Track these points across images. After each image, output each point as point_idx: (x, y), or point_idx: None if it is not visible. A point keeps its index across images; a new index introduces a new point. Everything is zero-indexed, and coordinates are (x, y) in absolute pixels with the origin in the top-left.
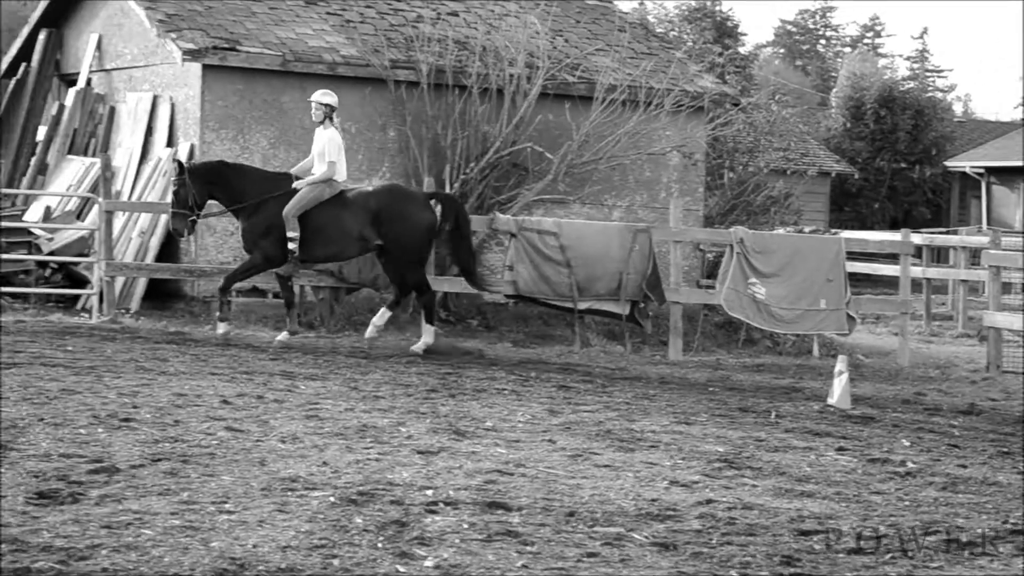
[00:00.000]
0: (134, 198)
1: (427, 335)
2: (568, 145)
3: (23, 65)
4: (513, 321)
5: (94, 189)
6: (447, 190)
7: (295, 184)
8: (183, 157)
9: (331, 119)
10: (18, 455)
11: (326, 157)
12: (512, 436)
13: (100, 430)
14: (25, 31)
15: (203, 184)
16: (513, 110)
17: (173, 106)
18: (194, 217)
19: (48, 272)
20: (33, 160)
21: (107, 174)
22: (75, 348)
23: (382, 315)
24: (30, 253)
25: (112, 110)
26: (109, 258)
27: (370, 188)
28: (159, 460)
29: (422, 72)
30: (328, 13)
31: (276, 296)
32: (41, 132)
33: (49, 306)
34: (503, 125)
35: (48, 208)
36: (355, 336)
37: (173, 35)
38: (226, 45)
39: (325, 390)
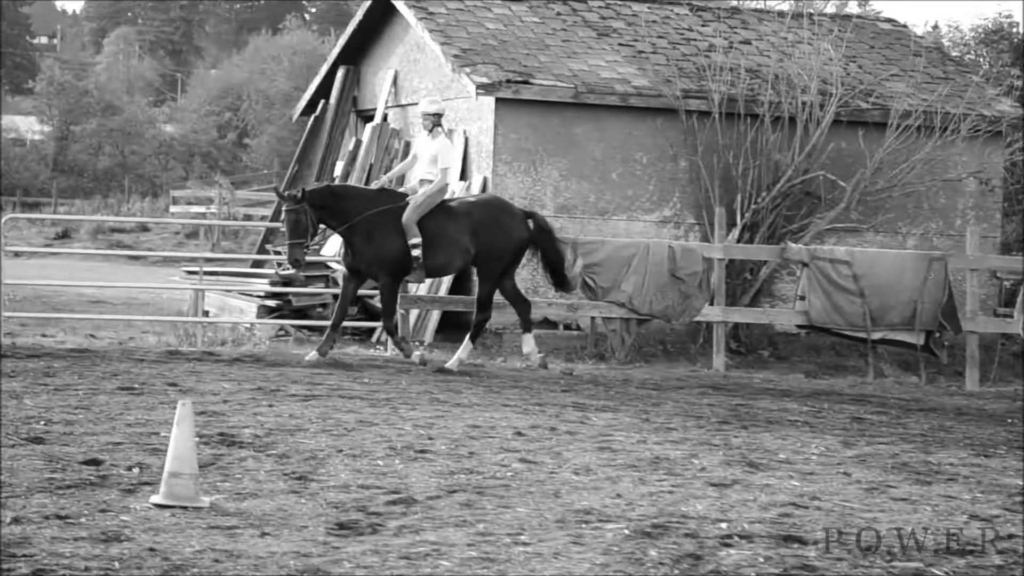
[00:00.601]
0: None
1: (464, 351)
2: (861, 172)
3: (322, 102)
4: (805, 351)
5: None
6: (738, 220)
7: (410, 196)
8: (476, 189)
9: (440, 127)
10: (318, 486)
11: (439, 164)
12: (806, 468)
13: (397, 461)
14: (324, 68)
15: (315, 210)
16: (805, 138)
17: (467, 139)
18: (310, 245)
19: None
20: None
21: None
22: (371, 380)
23: (527, 342)
24: (327, 287)
25: (407, 145)
26: (404, 291)
27: (472, 199)
28: (455, 491)
29: (714, 101)
30: (620, 44)
31: (567, 327)
32: (338, 167)
33: (346, 339)
34: (795, 153)
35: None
36: (646, 367)
37: (467, 69)
38: (519, 78)
39: (617, 422)
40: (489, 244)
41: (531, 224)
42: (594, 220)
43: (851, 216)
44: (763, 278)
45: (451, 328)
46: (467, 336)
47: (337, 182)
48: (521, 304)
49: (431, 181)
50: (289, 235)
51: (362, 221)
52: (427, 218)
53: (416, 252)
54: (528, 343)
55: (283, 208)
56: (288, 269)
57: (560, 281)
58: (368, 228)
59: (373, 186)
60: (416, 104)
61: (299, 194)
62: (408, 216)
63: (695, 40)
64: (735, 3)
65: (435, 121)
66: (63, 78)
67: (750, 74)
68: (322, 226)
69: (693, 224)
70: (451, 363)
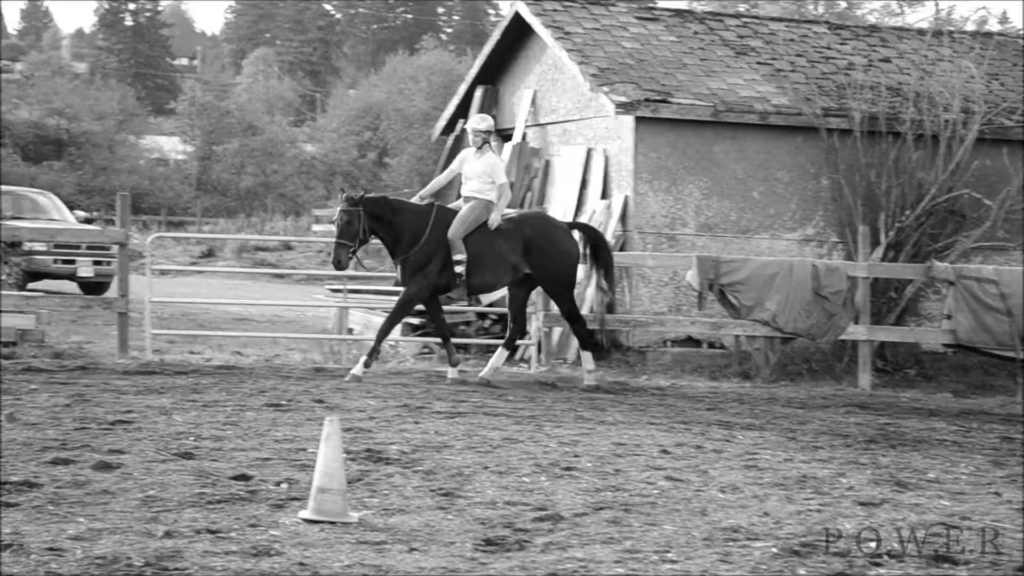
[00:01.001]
0: None
1: (587, 362)
2: (1007, 191)
3: (460, 121)
4: (952, 370)
5: None
6: (882, 238)
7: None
8: (617, 209)
9: (488, 144)
10: (465, 502)
11: (495, 180)
12: (956, 488)
13: (543, 478)
14: (462, 89)
15: (369, 218)
16: (949, 156)
17: (606, 158)
18: (355, 249)
19: (488, 323)
20: None
21: None
22: (516, 397)
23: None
24: (470, 304)
25: (547, 163)
26: (547, 309)
27: (516, 216)
28: (601, 509)
29: (855, 120)
30: (759, 63)
31: (711, 346)
32: None
33: (489, 356)
34: (939, 172)
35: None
36: (791, 386)
37: (606, 88)
38: (658, 97)
39: (763, 440)
40: (547, 263)
41: (578, 235)
42: (736, 239)
43: (997, 234)
44: (908, 297)
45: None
46: (580, 351)
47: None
48: (517, 323)
49: (475, 199)
50: (338, 235)
51: (415, 236)
52: (474, 235)
53: (460, 269)
54: (500, 358)
55: (339, 207)
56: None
57: (611, 281)
58: (417, 242)
59: (420, 201)
60: (557, 123)
61: (357, 197)
62: (454, 231)
63: (834, 58)
64: (874, 21)
65: (485, 138)
66: (204, 99)
67: (891, 92)
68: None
69: (836, 243)
70: (588, 380)
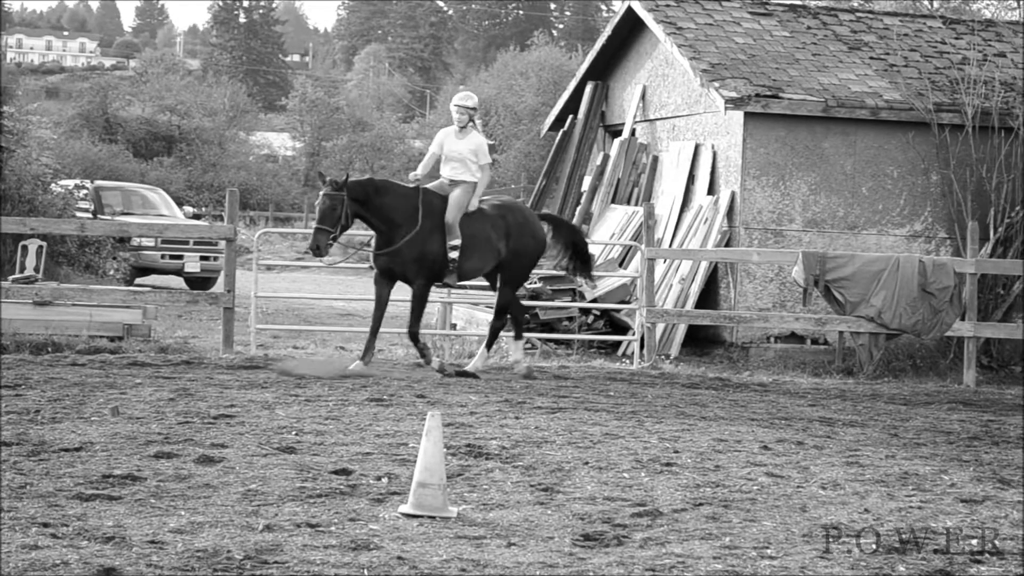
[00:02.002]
0: (675, 245)
1: (481, 360)
2: None
3: (570, 117)
4: None
5: (636, 237)
6: (991, 234)
7: (453, 192)
8: (724, 204)
9: (473, 122)
10: (564, 497)
11: (480, 160)
12: None
13: (643, 474)
14: (572, 84)
15: (353, 203)
16: None
17: (715, 154)
18: (337, 235)
19: (591, 319)
20: (578, 209)
21: (650, 222)
22: (617, 393)
23: (517, 348)
24: (573, 300)
25: (655, 159)
26: (651, 305)
27: (497, 201)
28: (701, 505)
29: (967, 115)
30: (871, 58)
31: (815, 342)
32: (586, 182)
33: (591, 352)
34: None
35: (592, 256)
36: (894, 382)
37: (716, 84)
38: (768, 92)
39: (865, 436)
40: (521, 248)
41: (546, 226)
42: (843, 234)
43: None
44: (1016, 293)
45: (697, 342)
46: (482, 344)
47: (417, 179)
48: (516, 310)
49: (463, 181)
50: (319, 219)
51: (405, 220)
52: (464, 219)
53: (454, 254)
54: (518, 350)
55: (320, 192)
56: (533, 283)
57: (587, 263)
58: (409, 227)
59: (413, 175)
60: (666, 119)
61: (341, 181)
62: (452, 216)
63: (948, 53)
64: (990, 16)
65: (471, 116)
66: (315, 95)
67: (1004, 87)
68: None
69: (944, 239)
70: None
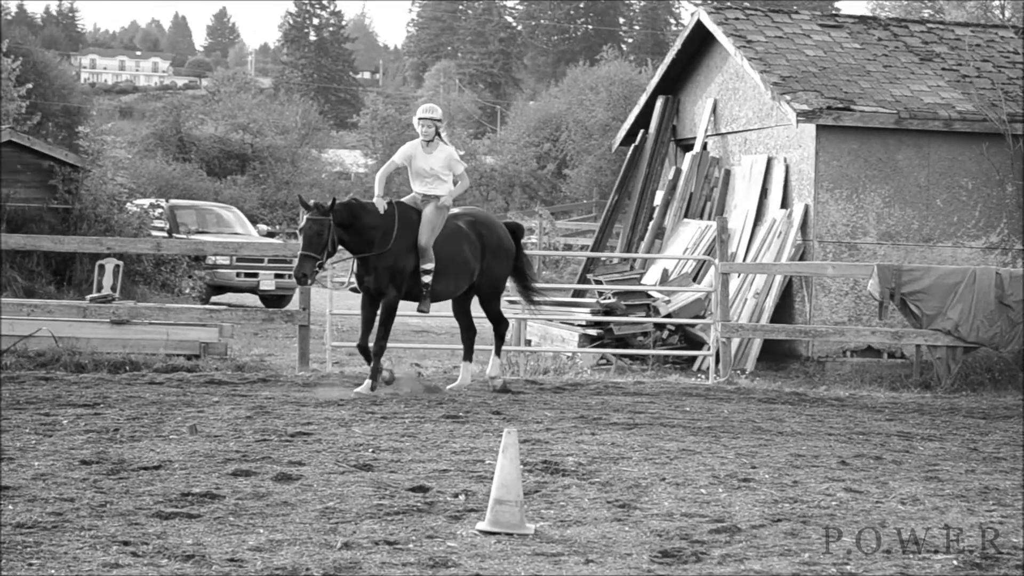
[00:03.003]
0: (749, 259)
1: (496, 368)
2: None
3: (641, 131)
4: None
5: (710, 251)
6: None
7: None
8: (798, 218)
9: (439, 135)
10: (642, 514)
11: (454, 171)
12: None
13: (720, 490)
14: (642, 99)
15: (339, 228)
16: None
17: (787, 167)
18: (323, 262)
19: (665, 334)
20: (651, 224)
21: (723, 236)
22: (693, 409)
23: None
24: (648, 315)
25: (727, 173)
26: (725, 319)
27: (467, 214)
28: (779, 520)
29: None
30: (943, 69)
31: (891, 356)
32: (658, 196)
33: (667, 367)
34: None
35: (665, 271)
36: (973, 396)
37: (787, 97)
38: (840, 105)
39: (943, 451)
40: (496, 267)
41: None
42: (918, 247)
43: None
44: None
45: (773, 357)
46: (492, 352)
47: (406, 199)
48: (471, 331)
49: (436, 196)
50: (304, 246)
51: (383, 237)
52: (441, 240)
53: (427, 279)
54: (468, 373)
55: (305, 216)
56: (608, 298)
57: (529, 287)
58: (385, 243)
59: (381, 202)
60: (738, 132)
61: (327, 205)
62: (425, 239)
63: (1021, 63)
64: None
65: (438, 127)
66: (386, 112)
67: None
68: (343, 251)
69: (1021, 250)
70: (497, 382)
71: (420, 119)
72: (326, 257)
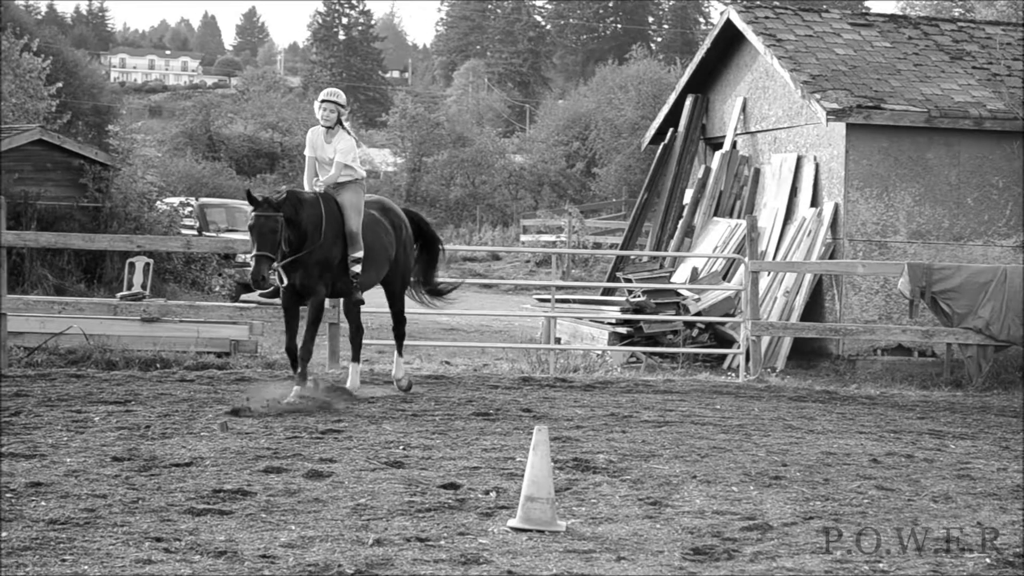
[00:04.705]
0: (779, 258)
1: (400, 368)
2: None
3: (670, 130)
4: None
5: (740, 250)
6: None
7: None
8: (828, 216)
9: (341, 122)
10: (673, 511)
11: (353, 160)
12: None
13: (751, 487)
14: (672, 97)
15: (287, 224)
16: None
17: (817, 166)
18: (278, 261)
19: (695, 332)
20: (680, 223)
21: (753, 235)
22: (723, 406)
23: (399, 363)
24: (678, 313)
25: (757, 172)
26: (755, 318)
27: (377, 205)
28: (811, 518)
29: None
30: (974, 67)
31: (922, 354)
32: (687, 195)
33: (697, 365)
34: None
35: (695, 269)
36: (1004, 394)
37: (817, 95)
38: (870, 103)
39: (976, 449)
40: (404, 255)
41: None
42: (949, 245)
43: None
44: None
45: (804, 355)
46: (396, 354)
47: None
48: (360, 331)
49: (346, 182)
50: (257, 245)
51: (313, 230)
52: (365, 225)
53: (357, 268)
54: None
55: (252, 213)
56: (637, 296)
57: (433, 282)
58: (315, 237)
59: (317, 188)
60: (767, 131)
61: (277, 199)
62: (355, 224)
63: None
64: None
65: (340, 113)
66: (415, 111)
67: None
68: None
69: None
70: (399, 377)
71: (322, 101)
72: (281, 256)
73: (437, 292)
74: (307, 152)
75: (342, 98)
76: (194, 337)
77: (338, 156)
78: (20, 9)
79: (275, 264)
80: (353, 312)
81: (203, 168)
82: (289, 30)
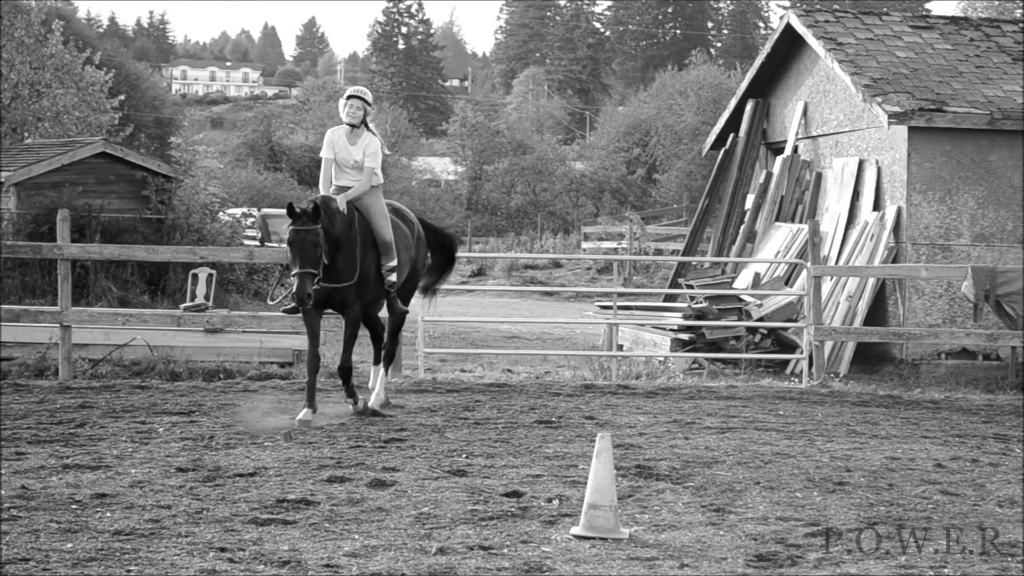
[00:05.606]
0: (841, 262)
1: (382, 382)
2: None
3: (731, 135)
4: None
5: (802, 255)
6: None
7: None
8: (890, 220)
9: (365, 122)
10: (736, 518)
11: (376, 164)
12: None
13: (815, 493)
14: (732, 102)
15: (325, 236)
16: None
17: (879, 169)
18: (320, 277)
19: (758, 338)
20: (742, 228)
21: (815, 239)
22: (786, 412)
23: (382, 379)
24: (740, 319)
25: (818, 176)
26: (818, 322)
27: (392, 210)
28: (875, 524)
29: None
30: None
31: (986, 358)
32: (749, 200)
33: (759, 371)
34: None
35: (757, 275)
36: None
37: (879, 99)
38: (932, 106)
39: None
40: (420, 253)
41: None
42: (1013, 248)
43: None
44: None
45: (867, 360)
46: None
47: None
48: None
49: (373, 188)
50: (300, 262)
51: (345, 240)
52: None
53: (393, 277)
54: (380, 380)
55: (291, 228)
56: (699, 303)
57: (435, 286)
58: (347, 247)
59: (341, 200)
60: (829, 135)
61: (311, 209)
62: (388, 233)
63: None
64: None
65: (367, 111)
66: (475, 119)
67: None
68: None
69: None
70: (373, 402)
71: (349, 98)
72: (323, 271)
73: (432, 292)
74: (324, 153)
75: (369, 96)
76: (257, 347)
77: (368, 160)
78: (82, 22)
79: (318, 280)
80: (396, 322)
81: (264, 179)
82: (349, 40)
